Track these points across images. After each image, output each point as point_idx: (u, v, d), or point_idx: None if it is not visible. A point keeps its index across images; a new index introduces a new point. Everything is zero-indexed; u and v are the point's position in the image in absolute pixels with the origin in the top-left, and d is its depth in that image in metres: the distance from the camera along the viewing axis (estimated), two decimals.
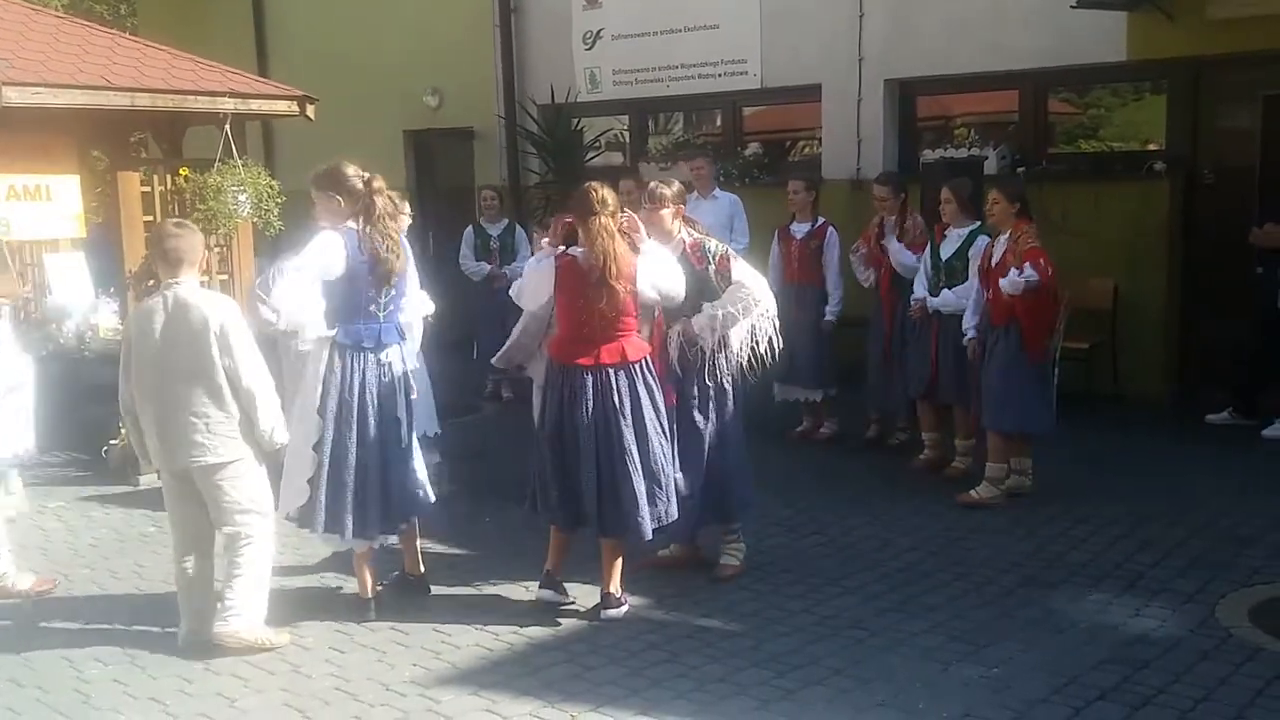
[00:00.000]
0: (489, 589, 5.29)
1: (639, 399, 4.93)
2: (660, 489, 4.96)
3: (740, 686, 4.34)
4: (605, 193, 4.93)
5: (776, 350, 5.36)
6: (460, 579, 5.51)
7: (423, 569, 5.39)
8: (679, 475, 5.11)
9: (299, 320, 4.87)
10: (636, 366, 4.95)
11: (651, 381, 5.00)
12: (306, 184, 5.09)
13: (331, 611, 5.19)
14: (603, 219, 4.86)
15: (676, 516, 5.04)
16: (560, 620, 4.97)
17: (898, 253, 7.27)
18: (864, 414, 7.96)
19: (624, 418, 4.88)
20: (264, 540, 4.84)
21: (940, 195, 7.03)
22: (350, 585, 5.36)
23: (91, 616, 5.20)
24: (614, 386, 4.89)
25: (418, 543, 5.38)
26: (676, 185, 5.41)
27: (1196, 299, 8.68)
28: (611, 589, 5.05)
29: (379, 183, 5.03)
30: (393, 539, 5.20)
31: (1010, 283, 6.22)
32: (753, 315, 5.23)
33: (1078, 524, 6.06)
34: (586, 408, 4.87)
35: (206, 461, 4.66)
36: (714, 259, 5.22)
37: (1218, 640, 4.64)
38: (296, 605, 5.23)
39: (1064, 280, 8.35)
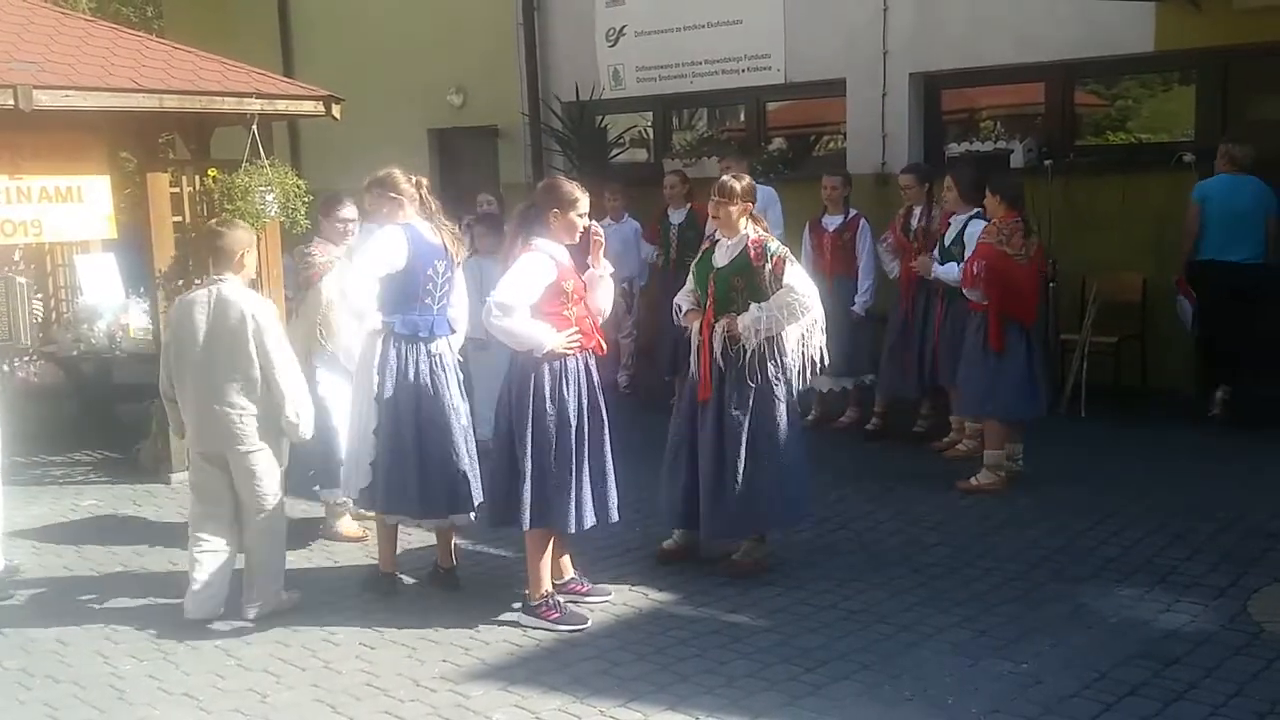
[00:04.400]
0: (518, 586, 5.30)
1: (511, 389, 4.92)
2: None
3: (769, 681, 4.34)
4: (548, 183, 5.02)
5: (825, 360, 5.36)
6: (490, 575, 5.54)
7: (454, 562, 5.44)
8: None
9: (364, 310, 5.11)
10: (519, 357, 4.90)
11: (529, 382, 4.83)
12: (361, 189, 5.37)
13: (361, 608, 5.23)
14: (517, 209, 4.93)
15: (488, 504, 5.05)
16: (588, 617, 4.99)
17: (944, 272, 7.12)
18: (874, 403, 8.02)
19: (511, 402, 4.92)
20: (280, 523, 5.14)
21: (945, 183, 7.22)
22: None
23: (126, 613, 5.26)
24: (511, 370, 4.96)
25: (453, 536, 5.46)
26: (746, 179, 5.40)
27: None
28: (538, 593, 5.02)
29: (413, 178, 5.29)
30: (466, 519, 5.33)
31: (969, 294, 6.52)
32: (800, 323, 5.21)
33: (1107, 518, 6.03)
34: (504, 389, 5.02)
35: (240, 448, 4.97)
36: (771, 258, 5.19)
37: (1249, 636, 4.61)
38: (326, 602, 5.29)
39: (1093, 274, 8.43)
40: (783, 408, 5.28)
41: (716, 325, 5.26)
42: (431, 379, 5.18)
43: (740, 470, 5.23)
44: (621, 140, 11.54)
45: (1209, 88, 8.65)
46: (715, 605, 5.09)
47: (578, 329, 4.91)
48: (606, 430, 5.00)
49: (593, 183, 9.32)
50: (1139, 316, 8.57)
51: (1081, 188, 8.71)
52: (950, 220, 7.22)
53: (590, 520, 4.96)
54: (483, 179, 12.26)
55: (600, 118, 11.26)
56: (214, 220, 6.04)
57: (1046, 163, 8.86)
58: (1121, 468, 6.96)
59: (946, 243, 7.19)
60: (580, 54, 11.52)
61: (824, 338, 5.32)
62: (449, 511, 5.26)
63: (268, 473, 5.03)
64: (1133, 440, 7.54)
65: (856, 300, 7.90)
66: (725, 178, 5.38)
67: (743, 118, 11.28)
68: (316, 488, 6.10)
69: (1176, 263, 8.43)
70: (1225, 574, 5.23)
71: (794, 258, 5.29)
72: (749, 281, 5.22)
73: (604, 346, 5.10)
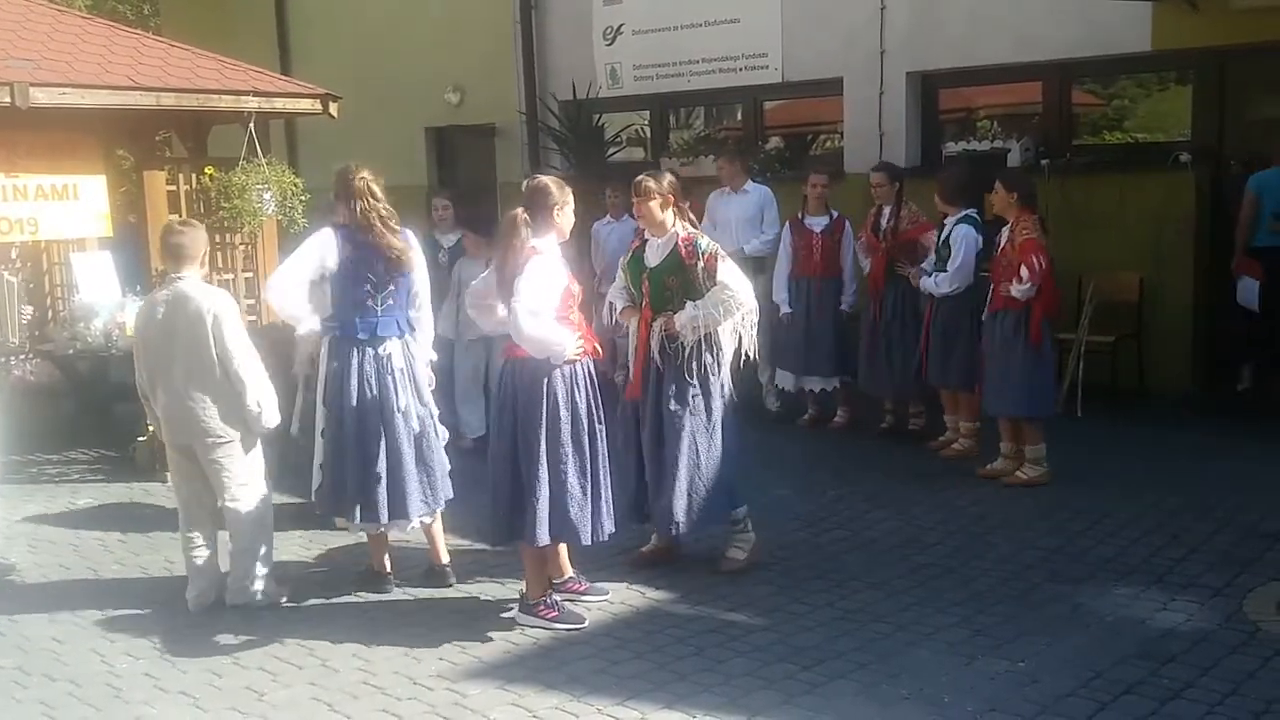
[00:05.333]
0: (515, 584, 5.30)
1: (518, 397, 4.81)
2: (538, 493, 4.76)
3: (766, 680, 4.34)
4: (539, 183, 4.89)
5: (754, 354, 5.35)
6: (487, 574, 5.53)
7: (446, 559, 5.46)
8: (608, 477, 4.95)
9: (291, 313, 5.14)
10: (522, 362, 4.80)
11: (540, 391, 4.75)
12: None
13: (358, 607, 5.23)
14: (514, 211, 4.80)
15: (584, 527, 4.84)
16: (585, 616, 4.99)
17: (930, 285, 7.20)
18: (872, 402, 8.05)
19: (516, 413, 4.82)
20: (259, 512, 5.20)
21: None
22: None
23: (123, 611, 5.26)
24: (513, 379, 4.85)
25: (441, 533, 5.47)
26: (668, 178, 5.34)
27: (1223, 292, 8.62)
28: (536, 592, 4.97)
29: (359, 178, 5.09)
30: (414, 525, 5.31)
31: (1019, 291, 6.48)
32: (734, 317, 5.20)
33: (1103, 518, 6.04)
34: (499, 399, 4.94)
35: (207, 440, 5.06)
36: (702, 256, 5.17)
37: (1246, 634, 4.61)
38: (322, 601, 5.30)
39: (1089, 273, 8.44)
40: (719, 403, 5.28)
41: (654, 324, 5.23)
42: (377, 382, 5.11)
43: (681, 466, 5.22)
44: (619, 139, 11.54)
45: (1206, 87, 8.66)
46: (712, 604, 5.09)
47: (581, 333, 4.91)
48: (605, 435, 4.99)
49: (592, 182, 9.38)
50: (1136, 316, 8.58)
51: (1078, 187, 8.72)
52: (945, 222, 7.23)
53: (609, 528, 4.96)
54: (480, 178, 12.30)
55: (597, 116, 11.25)
56: (173, 219, 6.08)
57: (1044, 162, 8.88)
58: (1118, 467, 6.96)
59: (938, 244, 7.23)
60: (577, 53, 11.52)
61: (754, 332, 5.32)
62: (391, 517, 5.18)
63: (236, 463, 5.10)
64: (1129, 440, 7.55)
65: (844, 300, 7.95)
66: (641, 177, 5.33)
67: (740, 117, 11.28)
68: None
69: (1175, 262, 8.49)
70: (1221, 573, 5.24)
71: (724, 253, 5.27)
72: (683, 280, 5.19)
73: (600, 351, 5.09)
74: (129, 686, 4.51)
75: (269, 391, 5.12)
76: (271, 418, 5.13)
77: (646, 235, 5.38)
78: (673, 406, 5.23)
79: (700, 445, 5.25)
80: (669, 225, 5.25)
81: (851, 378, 8.09)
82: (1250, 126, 8.54)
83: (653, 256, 5.31)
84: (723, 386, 5.30)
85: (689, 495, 5.25)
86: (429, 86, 12.34)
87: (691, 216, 5.38)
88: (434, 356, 5.50)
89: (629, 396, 5.37)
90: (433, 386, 5.47)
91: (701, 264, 5.16)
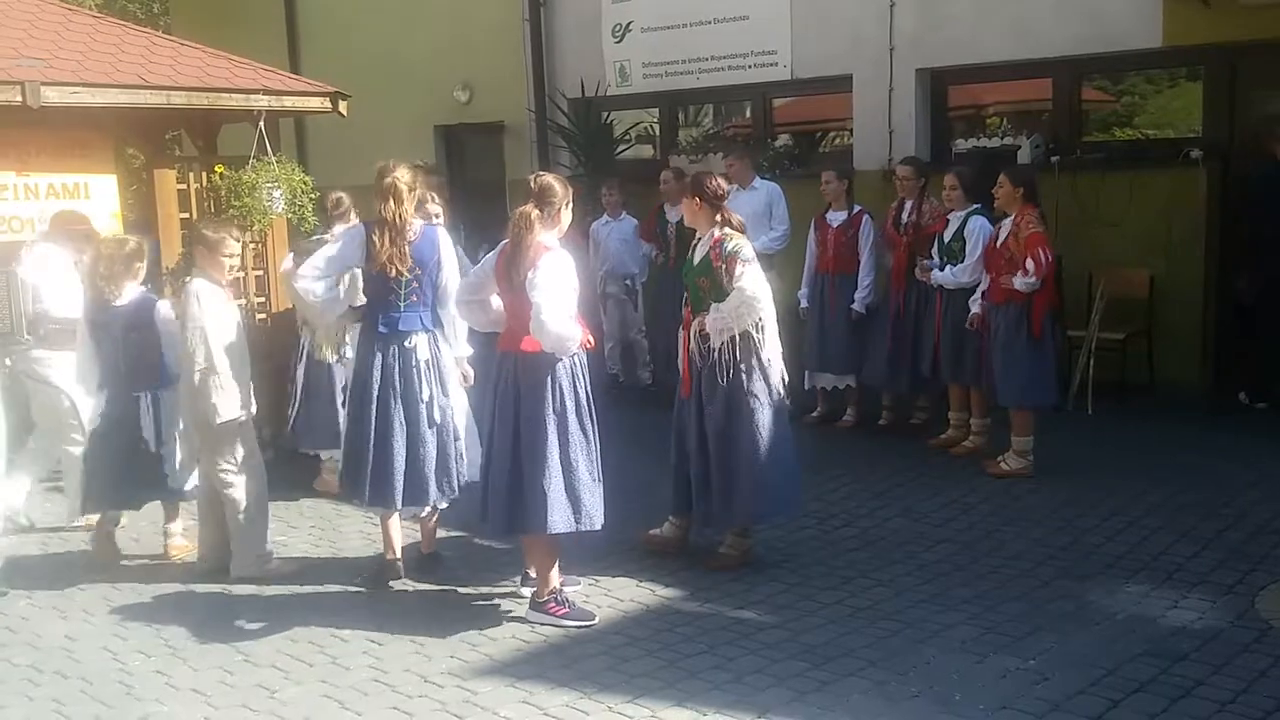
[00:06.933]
0: (519, 579, 5.31)
1: (521, 390, 4.82)
2: (547, 489, 4.77)
3: (777, 678, 4.34)
4: (546, 181, 4.92)
5: (776, 357, 5.35)
6: (497, 572, 5.54)
7: (433, 548, 5.63)
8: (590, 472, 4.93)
9: (316, 300, 5.23)
10: (526, 355, 4.82)
11: (545, 384, 4.79)
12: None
13: (369, 604, 5.25)
14: (525, 208, 4.81)
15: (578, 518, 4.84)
16: (595, 614, 4.99)
17: (944, 278, 7.21)
18: (876, 399, 8.06)
19: (519, 407, 4.83)
20: (256, 486, 5.56)
21: (945, 182, 7.25)
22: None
23: (134, 609, 5.28)
24: (515, 372, 4.86)
25: (434, 524, 5.60)
26: (715, 180, 5.39)
27: (1234, 288, 8.58)
28: (546, 589, 4.97)
29: (388, 179, 5.13)
30: (428, 510, 5.45)
31: (1023, 284, 6.52)
32: (748, 320, 5.20)
33: (1113, 515, 6.03)
34: (495, 392, 4.93)
35: (213, 421, 5.41)
36: (725, 259, 5.21)
37: (1258, 632, 4.60)
38: (333, 599, 5.31)
39: (1100, 270, 8.42)
40: (757, 403, 5.26)
41: (694, 324, 5.32)
42: (400, 374, 5.19)
43: (718, 465, 5.29)
44: (627, 137, 11.54)
45: (1216, 84, 8.62)
46: (722, 601, 5.10)
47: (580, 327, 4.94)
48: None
49: (602, 180, 9.35)
50: (1146, 313, 8.55)
51: (1088, 184, 8.70)
52: (949, 218, 7.22)
53: (602, 518, 4.97)
54: (489, 176, 12.31)
55: (606, 114, 11.26)
56: (205, 218, 6.35)
57: (1053, 159, 8.86)
58: (1128, 465, 6.94)
59: (946, 239, 7.20)
60: (586, 50, 11.51)
61: (773, 334, 5.31)
62: (406, 502, 5.27)
63: (234, 445, 5.47)
64: (1139, 437, 7.52)
65: (856, 298, 7.88)
66: (695, 175, 5.48)
67: (749, 114, 11.27)
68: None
69: (1185, 258, 8.45)
70: (1232, 571, 5.22)
71: (749, 256, 5.24)
72: (713, 281, 5.25)
73: (592, 343, 5.07)
74: (141, 684, 4.53)
75: (231, 388, 5.37)
76: (229, 411, 5.38)
77: (699, 234, 5.47)
78: (709, 407, 5.30)
79: (737, 446, 5.27)
80: (706, 224, 5.33)
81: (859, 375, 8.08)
82: (1260, 123, 8.49)
83: (696, 256, 5.41)
84: (766, 387, 5.27)
85: (723, 493, 5.30)
86: (438, 84, 12.35)
87: (733, 217, 5.39)
88: (469, 352, 5.53)
89: (682, 395, 5.46)
90: (470, 384, 5.54)
91: (724, 266, 5.20)
